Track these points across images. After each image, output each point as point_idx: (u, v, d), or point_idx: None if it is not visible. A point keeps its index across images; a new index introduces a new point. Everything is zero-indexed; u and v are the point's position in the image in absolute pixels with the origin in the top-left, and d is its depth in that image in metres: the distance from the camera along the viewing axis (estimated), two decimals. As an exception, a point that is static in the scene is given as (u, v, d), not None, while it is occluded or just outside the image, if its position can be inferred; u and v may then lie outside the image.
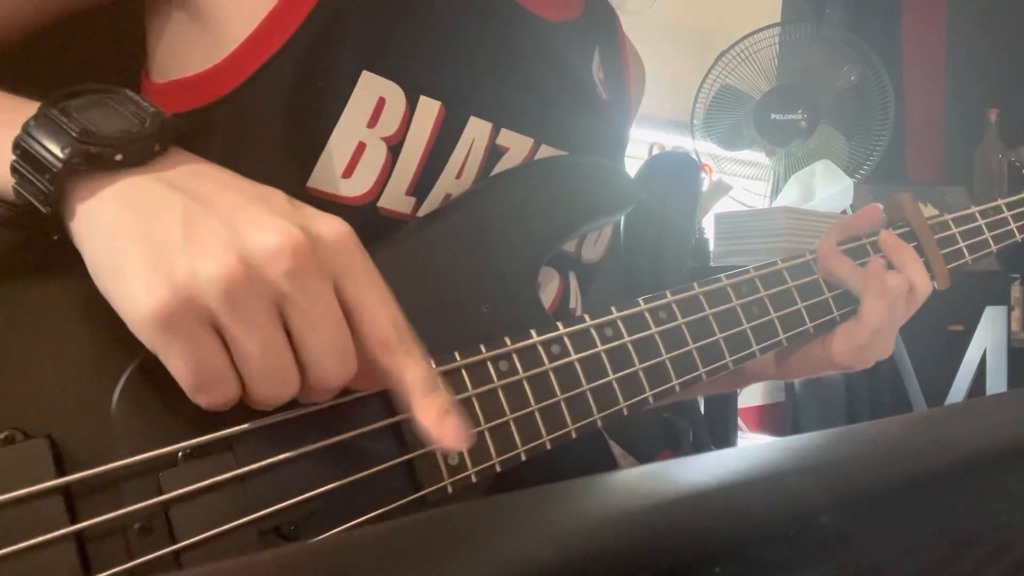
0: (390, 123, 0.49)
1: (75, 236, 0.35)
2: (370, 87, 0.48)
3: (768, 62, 1.92)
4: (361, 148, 0.49)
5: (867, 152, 1.92)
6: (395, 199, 0.51)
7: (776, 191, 1.92)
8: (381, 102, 0.48)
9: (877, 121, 1.89)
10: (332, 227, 0.36)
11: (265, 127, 0.47)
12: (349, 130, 0.48)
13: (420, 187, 0.52)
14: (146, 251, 0.33)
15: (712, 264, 1.73)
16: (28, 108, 0.36)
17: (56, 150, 0.34)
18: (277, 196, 0.36)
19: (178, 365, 0.33)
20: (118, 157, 0.35)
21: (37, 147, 0.34)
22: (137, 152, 0.36)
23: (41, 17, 0.48)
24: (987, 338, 1.84)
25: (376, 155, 0.49)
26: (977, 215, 0.69)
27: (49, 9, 0.48)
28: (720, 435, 1.70)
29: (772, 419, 2.45)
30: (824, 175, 1.76)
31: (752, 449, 0.25)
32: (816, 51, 1.90)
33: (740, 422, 2.07)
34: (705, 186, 1.81)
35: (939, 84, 2.63)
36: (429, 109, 0.50)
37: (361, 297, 0.36)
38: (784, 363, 0.66)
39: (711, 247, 1.77)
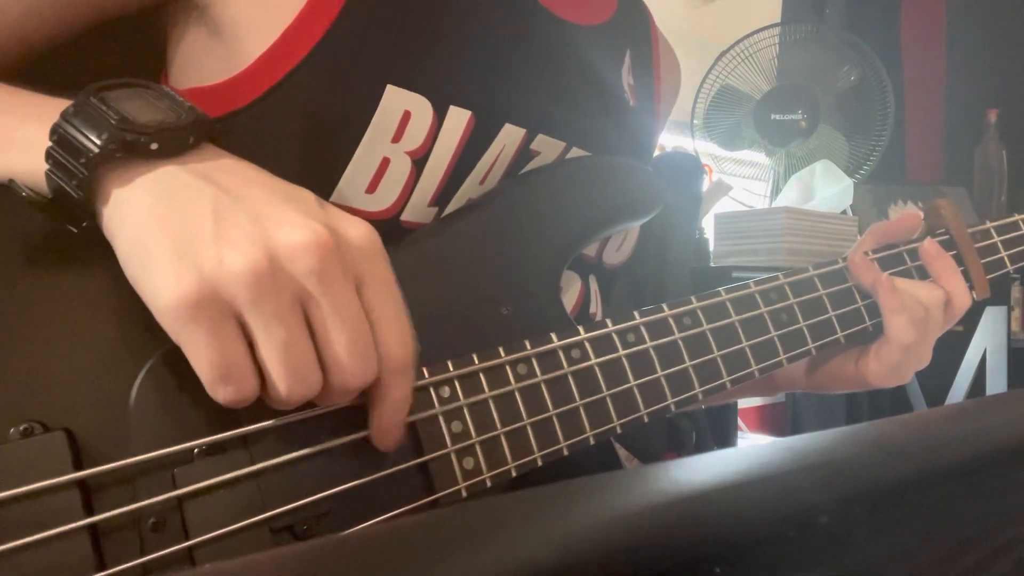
0: (415, 137, 0.49)
1: (105, 223, 0.36)
2: (395, 101, 0.47)
3: (768, 62, 1.92)
4: (385, 164, 0.48)
5: (867, 152, 1.92)
6: (418, 211, 0.51)
7: (776, 191, 1.92)
8: (407, 116, 0.48)
9: (877, 121, 1.89)
10: (358, 230, 0.36)
11: (284, 142, 0.47)
12: (373, 146, 0.47)
13: (443, 196, 0.51)
14: (176, 241, 0.33)
15: (712, 264, 1.73)
16: (64, 103, 0.36)
17: (94, 136, 0.35)
18: (306, 195, 0.37)
19: (199, 356, 0.33)
20: (153, 146, 0.35)
21: (75, 133, 0.35)
22: (172, 143, 0.36)
23: (63, 30, 0.48)
24: (987, 338, 1.83)
25: (400, 170, 0.49)
26: (1021, 223, 0.67)
27: (70, 22, 0.48)
28: (720, 435, 1.70)
29: (772, 419, 2.45)
30: (824, 175, 1.76)
31: (752, 449, 0.25)
32: (816, 51, 1.90)
33: (740, 422, 2.07)
34: (705, 186, 1.81)
35: (939, 84, 2.63)
36: (459, 119, 0.50)
37: (377, 307, 0.36)
38: (815, 375, 0.64)
39: (711, 247, 1.77)
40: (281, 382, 0.34)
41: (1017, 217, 0.68)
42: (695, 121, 1.93)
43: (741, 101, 1.92)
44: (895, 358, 0.58)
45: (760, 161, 2.03)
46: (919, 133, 2.58)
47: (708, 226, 1.80)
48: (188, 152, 0.37)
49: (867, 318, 0.58)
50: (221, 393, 0.34)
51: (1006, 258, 0.66)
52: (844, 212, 1.78)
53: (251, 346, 0.34)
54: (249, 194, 0.35)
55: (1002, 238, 0.66)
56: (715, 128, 1.94)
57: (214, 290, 0.32)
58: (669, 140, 2.10)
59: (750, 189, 2.02)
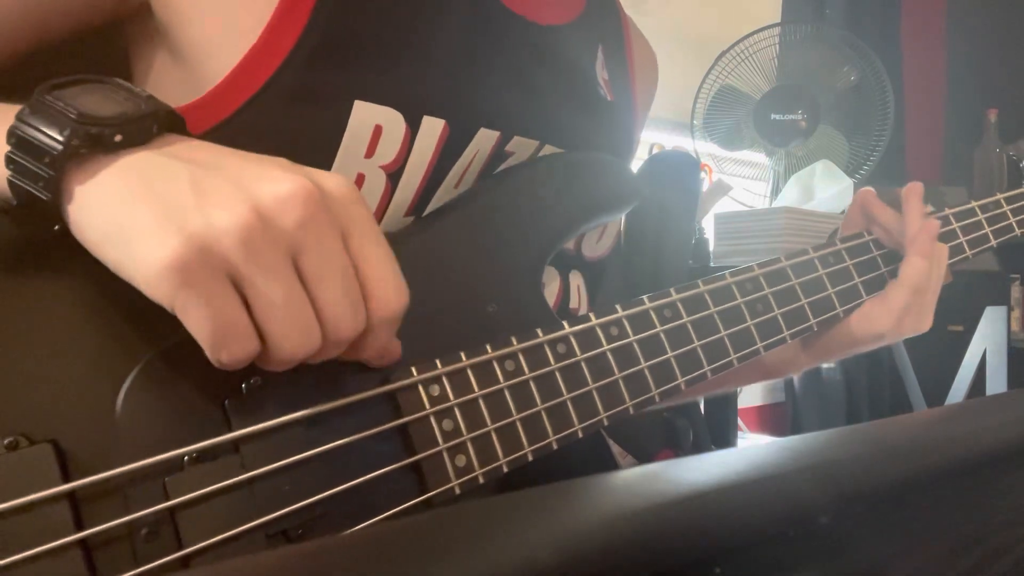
0: (389, 151, 0.48)
1: (74, 220, 0.34)
2: (365, 116, 0.46)
3: (768, 62, 1.92)
4: (360, 180, 0.48)
5: (867, 152, 1.92)
6: (394, 224, 0.50)
7: (776, 191, 1.92)
8: (378, 130, 0.47)
9: (877, 121, 1.89)
10: (336, 180, 0.36)
11: None
12: (347, 164, 0.47)
13: (418, 206, 0.51)
14: (156, 210, 0.32)
15: (712, 264, 1.73)
16: (16, 108, 0.35)
17: (55, 133, 0.33)
18: (280, 158, 0.37)
19: (197, 319, 0.32)
20: (117, 138, 0.34)
21: (34, 133, 0.33)
22: (136, 132, 0.35)
23: (16, 48, 0.47)
24: (987, 338, 1.83)
25: (376, 185, 0.48)
26: (977, 210, 0.69)
27: (19, 43, 0.47)
28: (720, 435, 1.70)
29: (772, 419, 2.45)
30: (824, 175, 1.76)
31: (752, 449, 0.25)
32: (816, 51, 1.90)
33: (740, 422, 2.07)
34: (705, 186, 1.81)
35: (939, 84, 2.63)
36: (433, 128, 0.49)
37: (367, 252, 0.36)
38: (813, 347, 0.65)
39: (711, 247, 1.77)
40: (285, 339, 0.33)
41: (974, 204, 0.69)
42: (695, 121, 1.93)
43: (741, 101, 1.92)
44: (901, 300, 0.59)
45: (760, 161, 2.03)
46: (919, 133, 2.58)
47: (708, 226, 1.80)
48: (153, 140, 0.36)
49: (838, 304, 0.60)
50: (224, 355, 0.33)
51: (965, 244, 0.67)
52: (844, 212, 1.78)
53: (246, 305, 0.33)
54: (224, 162, 0.35)
55: (960, 224, 0.67)
56: (715, 128, 1.94)
57: (204, 249, 0.31)
58: (669, 140, 2.10)
59: (750, 189, 2.02)
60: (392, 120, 0.48)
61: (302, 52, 0.45)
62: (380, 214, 0.49)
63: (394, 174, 0.49)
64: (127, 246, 0.33)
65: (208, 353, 0.33)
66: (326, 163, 0.46)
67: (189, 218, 0.32)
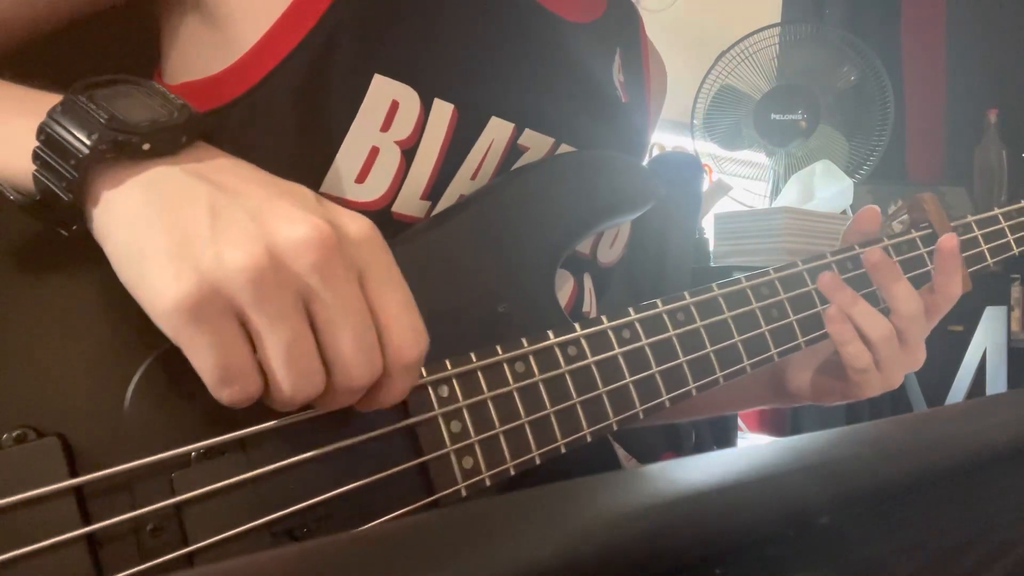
0: (404, 127, 0.49)
1: (96, 226, 0.35)
2: (383, 90, 0.47)
3: (768, 62, 1.92)
4: (375, 153, 0.48)
5: (867, 152, 1.92)
6: (409, 204, 0.50)
7: (776, 191, 1.92)
8: (395, 105, 0.48)
9: (877, 121, 1.89)
10: (358, 224, 0.35)
11: (277, 131, 0.47)
12: (362, 134, 0.47)
13: (435, 190, 0.51)
14: (172, 240, 0.32)
15: (712, 264, 1.73)
16: (51, 99, 0.35)
17: (83, 136, 0.33)
18: (304, 191, 0.36)
19: (202, 357, 0.32)
20: (145, 146, 0.34)
21: (63, 132, 0.34)
22: (164, 142, 0.35)
23: (53, 18, 0.48)
24: (987, 338, 1.83)
25: (390, 159, 0.49)
26: (1000, 217, 0.68)
27: (61, 9, 0.48)
28: (720, 435, 1.70)
29: (772, 419, 2.44)
30: (824, 175, 1.76)
31: (752, 449, 0.25)
32: (816, 51, 1.90)
33: (740, 422, 2.07)
34: (705, 186, 1.81)
35: (939, 84, 2.63)
36: (443, 112, 0.50)
37: (384, 297, 0.35)
38: (808, 385, 0.64)
39: (711, 247, 1.77)
40: (285, 382, 0.33)
41: (997, 211, 0.68)
42: (695, 121, 1.93)
43: (741, 101, 1.92)
44: (875, 382, 0.59)
45: (760, 161, 2.03)
46: (919, 133, 2.58)
47: (708, 226, 1.80)
48: (181, 151, 0.36)
49: None
50: (225, 394, 0.33)
51: (987, 252, 0.66)
52: (844, 212, 1.78)
53: (252, 344, 0.33)
54: (246, 191, 0.35)
55: (982, 232, 0.66)
56: (715, 128, 1.94)
57: (214, 289, 0.31)
58: (669, 140, 2.10)
59: (750, 189, 2.02)
60: (408, 97, 0.48)
61: (330, 21, 0.46)
62: (395, 190, 0.50)
63: (409, 151, 0.49)
64: (141, 274, 0.33)
65: (211, 390, 0.33)
66: (341, 131, 0.47)
67: (202, 254, 0.32)
